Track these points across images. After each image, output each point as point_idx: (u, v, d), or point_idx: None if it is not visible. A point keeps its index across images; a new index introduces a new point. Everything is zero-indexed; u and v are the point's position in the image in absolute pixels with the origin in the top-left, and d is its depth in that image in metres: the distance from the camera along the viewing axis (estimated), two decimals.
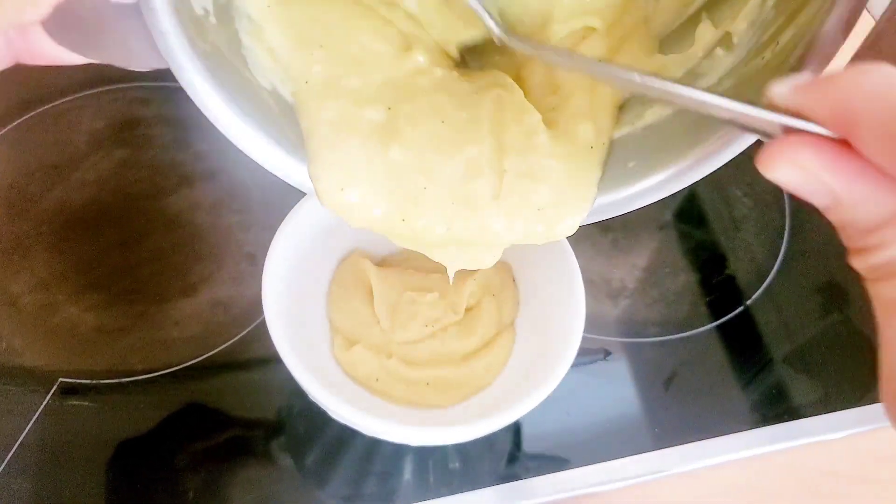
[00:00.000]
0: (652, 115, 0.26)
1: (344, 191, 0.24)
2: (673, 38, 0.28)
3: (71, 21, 0.21)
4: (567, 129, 0.26)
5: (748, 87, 0.22)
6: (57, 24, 0.21)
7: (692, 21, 0.27)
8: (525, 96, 0.27)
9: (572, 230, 0.26)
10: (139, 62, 0.22)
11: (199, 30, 0.22)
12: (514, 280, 0.39)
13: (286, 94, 0.26)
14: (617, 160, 0.26)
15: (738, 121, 0.18)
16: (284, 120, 0.25)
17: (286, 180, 0.26)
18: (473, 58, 0.30)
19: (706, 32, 0.26)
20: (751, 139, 0.22)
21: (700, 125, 0.23)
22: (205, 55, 0.22)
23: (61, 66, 0.23)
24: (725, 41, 0.25)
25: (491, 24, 0.25)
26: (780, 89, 0.17)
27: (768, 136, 0.17)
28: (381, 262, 0.40)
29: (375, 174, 0.25)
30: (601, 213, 0.26)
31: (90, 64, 0.23)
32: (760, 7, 0.24)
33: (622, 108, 0.27)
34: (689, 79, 0.26)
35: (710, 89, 0.20)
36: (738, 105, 0.17)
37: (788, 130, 0.16)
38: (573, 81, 0.27)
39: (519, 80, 0.28)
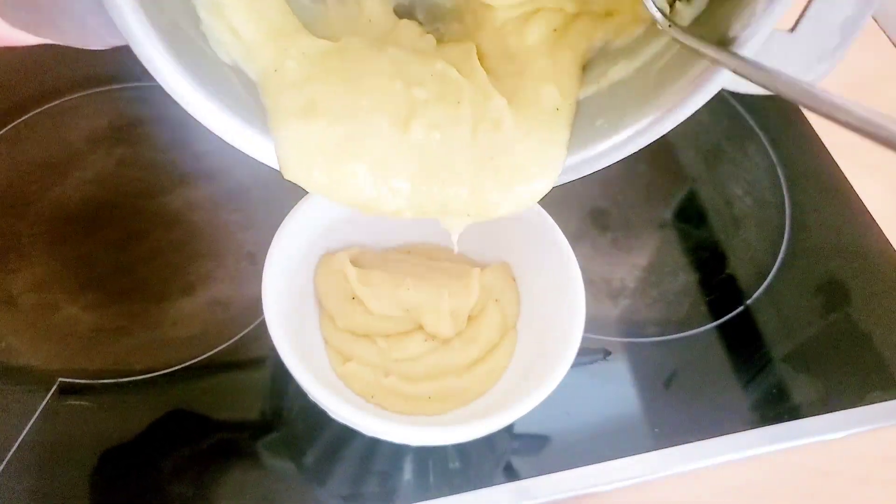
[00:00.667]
0: (616, 72, 0.26)
1: (312, 171, 0.24)
2: None
3: (23, 0, 0.20)
4: (530, 94, 0.26)
5: (707, 28, 0.22)
6: (8, 4, 0.20)
7: None
8: (483, 62, 0.27)
9: (544, 192, 0.26)
10: (96, 41, 0.22)
11: (156, 4, 0.21)
12: (514, 280, 0.39)
13: (249, 71, 0.25)
14: (585, 119, 0.26)
15: None
16: (246, 93, 0.25)
17: (250, 154, 0.25)
18: (429, 22, 0.29)
19: None
20: (717, 87, 0.21)
21: (665, 77, 0.23)
22: (163, 30, 0.21)
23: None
24: None
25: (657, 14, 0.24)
26: None
27: None
28: (380, 259, 0.39)
29: (343, 154, 0.25)
30: (574, 172, 0.26)
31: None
32: None
33: (585, 67, 0.27)
34: (650, 34, 0.26)
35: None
36: None
37: None
38: (529, 49, 0.27)
39: (477, 47, 0.28)
